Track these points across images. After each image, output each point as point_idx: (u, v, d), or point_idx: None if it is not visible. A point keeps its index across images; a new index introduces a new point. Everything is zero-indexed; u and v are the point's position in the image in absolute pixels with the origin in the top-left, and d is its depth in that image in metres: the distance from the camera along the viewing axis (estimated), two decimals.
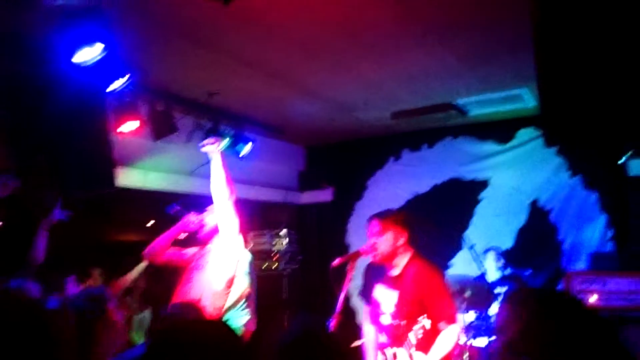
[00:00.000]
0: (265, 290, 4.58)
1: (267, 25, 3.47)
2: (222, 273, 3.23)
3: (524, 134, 5.73)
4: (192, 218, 3.53)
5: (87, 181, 3.54)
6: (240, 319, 3.46)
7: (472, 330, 4.40)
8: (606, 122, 2.98)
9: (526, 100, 5.05)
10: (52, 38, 2.96)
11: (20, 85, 3.39)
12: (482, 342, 4.34)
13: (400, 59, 4.11)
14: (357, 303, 4.63)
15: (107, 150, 3.57)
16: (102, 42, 2.98)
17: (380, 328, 3.06)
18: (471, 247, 4.73)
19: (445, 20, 3.47)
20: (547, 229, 5.49)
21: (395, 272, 3.03)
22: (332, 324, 2.77)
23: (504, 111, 5.44)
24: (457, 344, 2.94)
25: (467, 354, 4.16)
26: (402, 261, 3.02)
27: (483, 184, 5.95)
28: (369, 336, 3.20)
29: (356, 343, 3.49)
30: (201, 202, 3.53)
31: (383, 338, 3.03)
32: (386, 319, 3.01)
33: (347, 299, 2.95)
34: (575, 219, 5.38)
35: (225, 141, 4.87)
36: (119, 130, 4.06)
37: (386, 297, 3.03)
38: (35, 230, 3.69)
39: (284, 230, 6.41)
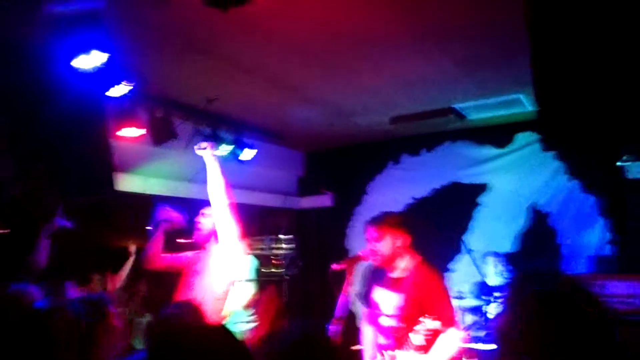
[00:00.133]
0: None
1: (266, 31, 3.49)
2: (222, 278, 3.23)
3: (522, 138, 5.75)
4: (172, 213, 3.48)
5: (86, 186, 3.56)
6: (245, 324, 3.45)
7: (472, 331, 4.40)
8: (603, 125, 2.99)
9: (524, 104, 5.07)
10: (51, 45, 2.97)
11: (19, 92, 3.40)
12: (481, 343, 4.33)
13: (399, 64, 4.13)
14: (357, 306, 4.63)
15: (106, 155, 3.59)
16: (102, 49, 2.99)
17: (379, 329, 3.06)
18: (470, 252, 4.73)
19: (442, 26, 3.50)
20: (545, 232, 5.51)
21: (394, 274, 3.03)
22: (335, 328, 2.76)
23: (502, 115, 5.47)
24: (459, 348, 2.93)
25: (467, 355, 4.16)
26: (401, 263, 3.02)
27: (482, 188, 5.97)
28: (368, 338, 3.19)
29: (357, 347, 3.48)
30: (201, 207, 3.53)
31: (382, 339, 3.03)
32: (385, 321, 3.01)
33: (347, 302, 2.96)
34: (573, 222, 5.40)
35: (223, 147, 4.88)
36: (118, 135, 4.07)
37: (385, 298, 3.03)
38: (36, 235, 3.70)
39: (284, 235, 6.40)
